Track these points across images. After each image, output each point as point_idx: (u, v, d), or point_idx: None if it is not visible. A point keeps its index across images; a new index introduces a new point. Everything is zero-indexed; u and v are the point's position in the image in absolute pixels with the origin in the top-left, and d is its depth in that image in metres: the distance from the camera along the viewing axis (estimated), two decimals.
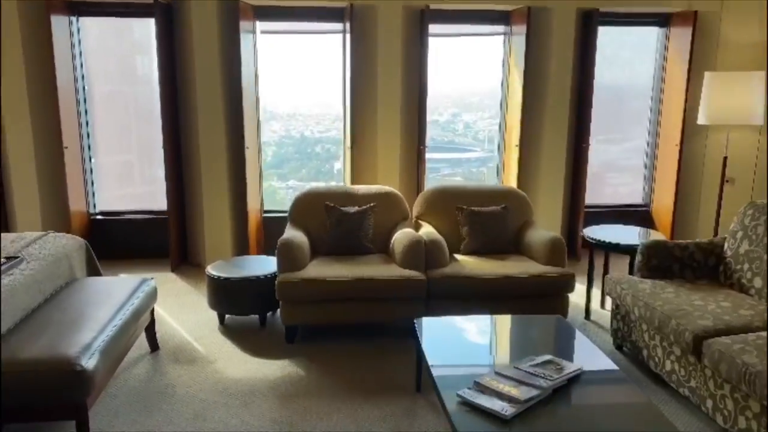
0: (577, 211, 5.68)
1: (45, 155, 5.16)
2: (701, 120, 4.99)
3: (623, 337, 3.68)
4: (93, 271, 3.94)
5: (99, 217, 5.63)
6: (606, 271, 4.58)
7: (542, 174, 5.64)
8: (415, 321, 3.23)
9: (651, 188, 6.05)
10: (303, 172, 6.20)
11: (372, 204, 4.39)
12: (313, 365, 3.59)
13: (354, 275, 3.78)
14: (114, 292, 3.36)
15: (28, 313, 3.02)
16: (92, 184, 5.62)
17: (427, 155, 5.42)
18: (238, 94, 5.10)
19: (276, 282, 3.77)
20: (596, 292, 4.85)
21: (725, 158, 5.16)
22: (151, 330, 3.74)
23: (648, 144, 6.08)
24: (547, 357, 2.73)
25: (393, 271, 3.86)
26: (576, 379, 2.59)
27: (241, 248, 5.52)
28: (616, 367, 2.72)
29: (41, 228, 5.16)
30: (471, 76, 6.08)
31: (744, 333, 2.94)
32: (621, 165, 6.38)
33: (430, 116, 5.47)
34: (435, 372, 2.65)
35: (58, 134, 5.04)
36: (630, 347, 3.61)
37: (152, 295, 3.63)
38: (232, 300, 4.02)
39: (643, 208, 6.13)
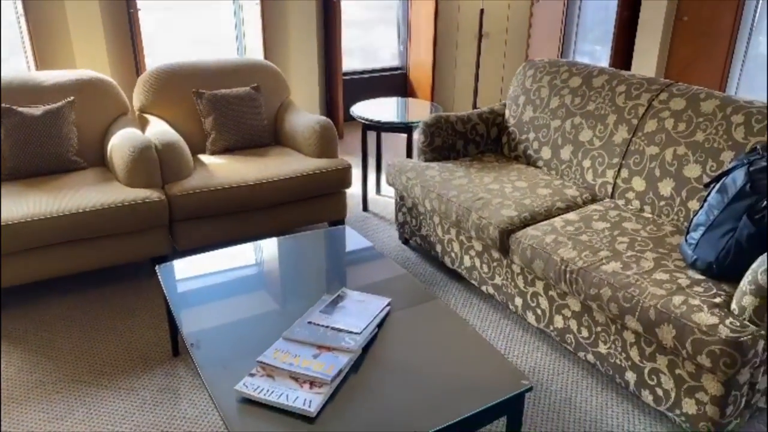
0: (334, 81, 4.95)
1: None
2: None
3: (411, 231, 3.21)
4: None
5: None
6: (379, 153, 4.03)
7: (291, 40, 4.72)
8: (157, 269, 2.29)
9: (407, 48, 5.55)
10: None
11: (70, 99, 3.10)
12: (12, 348, 2.47)
13: (55, 210, 2.62)
14: None
15: None
16: None
17: (142, 17, 4.10)
18: None
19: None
20: (369, 177, 4.32)
21: (482, 11, 4.79)
22: None
23: None
24: (342, 291, 2.08)
25: (115, 193, 2.77)
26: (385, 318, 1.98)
27: None
28: (426, 292, 2.17)
29: None
30: None
31: (549, 218, 2.60)
32: (372, 21, 5.73)
33: None
34: (197, 355, 1.82)
35: None
36: (420, 242, 3.16)
37: None
38: None
39: (400, 71, 5.65)
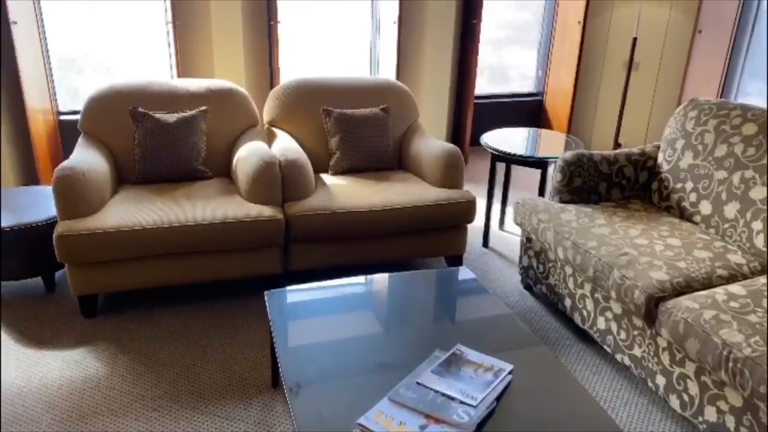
0: (465, 105, 4.74)
1: None
2: None
3: (536, 278, 2.91)
4: None
5: None
6: (506, 187, 3.75)
7: (426, 59, 4.57)
8: (266, 296, 2.18)
9: (546, 74, 5.22)
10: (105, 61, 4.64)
11: (203, 108, 3.12)
12: (121, 355, 2.47)
13: (171, 219, 2.60)
14: None
15: None
16: None
17: (281, 33, 4.12)
18: None
19: (54, 237, 2.50)
20: (493, 210, 4.05)
21: (635, 39, 4.38)
22: None
23: (544, 20, 5.17)
24: (458, 349, 1.85)
25: (235, 208, 2.72)
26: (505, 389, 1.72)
27: (28, 169, 4.03)
28: (555, 360, 1.89)
29: None
30: None
31: (708, 288, 2.22)
32: (512, 46, 5.46)
33: None
34: (294, 404, 1.66)
35: None
36: (546, 291, 2.85)
37: None
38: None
39: (536, 98, 5.33)
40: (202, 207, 2.71)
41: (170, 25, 3.82)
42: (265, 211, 2.72)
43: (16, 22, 3.54)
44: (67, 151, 4.19)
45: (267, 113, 3.44)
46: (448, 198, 2.96)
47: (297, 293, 2.22)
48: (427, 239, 3.02)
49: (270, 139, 3.29)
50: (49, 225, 2.73)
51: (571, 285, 2.65)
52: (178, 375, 2.36)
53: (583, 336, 2.70)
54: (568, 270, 2.66)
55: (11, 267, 2.73)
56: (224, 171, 3.20)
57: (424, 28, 4.48)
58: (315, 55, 5.14)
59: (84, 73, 4.51)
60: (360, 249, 2.92)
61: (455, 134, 4.92)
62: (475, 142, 5.02)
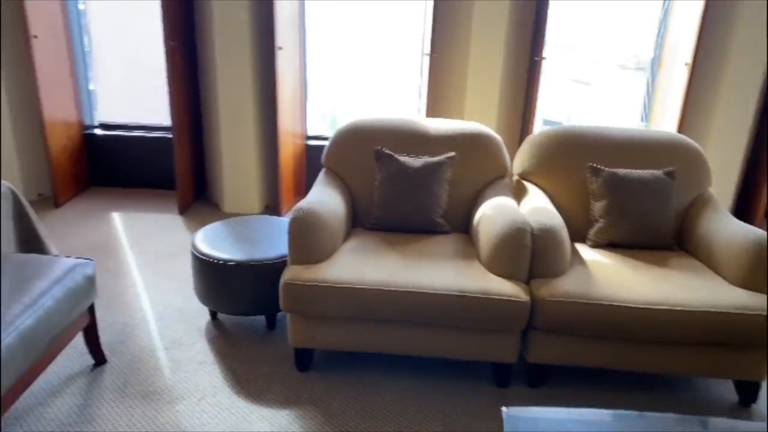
0: (760, 168, 3.79)
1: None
2: None
3: None
4: (25, 234, 2.65)
5: (98, 131, 4.34)
6: None
7: (718, 112, 3.74)
8: (504, 413, 1.71)
9: None
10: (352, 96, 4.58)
11: (451, 154, 2.78)
12: (333, 419, 2.19)
13: (399, 281, 2.26)
14: (18, 283, 2.04)
15: None
16: (89, 88, 4.29)
17: (545, 69, 3.64)
18: None
19: (281, 282, 2.32)
20: None
21: None
22: (91, 335, 2.45)
23: None
24: None
25: (472, 278, 2.31)
26: None
27: (272, 189, 4.10)
28: None
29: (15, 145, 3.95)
30: None
31: None
32: None
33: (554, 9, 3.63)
34: None
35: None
36: None
37: (85, 290, 2.29)
38: (228, 292, 2.62)
39: None
40: (436, 271, 2.34)
41: (426, 57, 3.58)
42: (507, 288, 2.26)
43: (281, 48, 3.59)
44: (310, 175, 4.20)
45: (519, 163, 2.99)
46: (757, 307, 2.21)
47: (544, 421, 1.71)
48: (711, 354, 2.29)
49: (519, 194, 2.83)
50: (280, 264, 2.59)
51: None
52: None
53: None
54: None
55: (238, 302, 2.64)
56: (463, 226, 2.81)
57: (724, 71, 3.66)
58: (574, 99, 4.58)
59: (332, 99, 4.52)
60: (619, 352, 2.31)
61: (742, 205, 3.97)
62: None
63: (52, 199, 4.01)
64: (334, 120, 4.49)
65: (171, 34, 3.61)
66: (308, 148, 4.19)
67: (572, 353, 2.34)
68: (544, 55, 3.57)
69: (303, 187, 4.22)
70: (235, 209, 4.02)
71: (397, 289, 2.25)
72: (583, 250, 2.64)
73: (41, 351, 2.04)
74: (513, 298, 2.22)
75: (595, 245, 2.68)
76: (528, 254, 2.33)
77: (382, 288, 2.25)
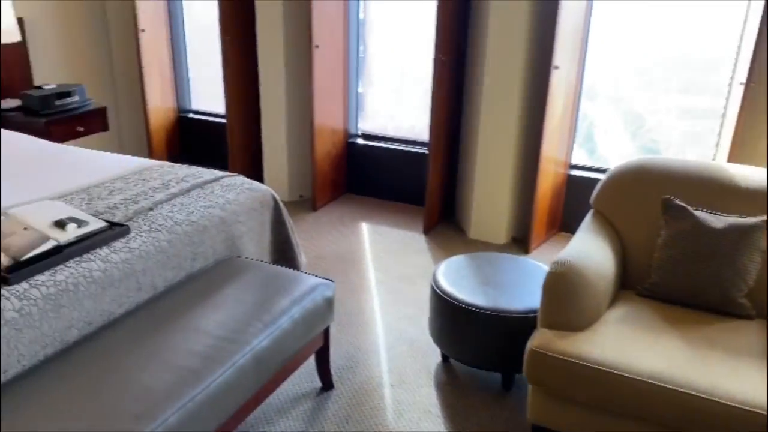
0: None
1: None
2: None
3: None
4: (281, 242, 2.70)
5: (359, 141, 4.43)
6: None
7: None
8: None
9: None
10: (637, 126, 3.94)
11: (765, 218, 2.13)
12: None
13: (693, 384, 1.73)
14: (262, 299, 2.03)
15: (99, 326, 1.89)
16: (357, 96, 4.40)
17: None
18: None
19: (527, 347, 1.97)
20: None
21: None
22: (323, 358, 2.37)
23: None
24: None
25: None
26: None
27: (522, 220, 3.75)
28: None
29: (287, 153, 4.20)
30: None
31: None
32: None
33: None
34: None
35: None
36: None
37: (323, 312, 2.22)
38: (465, 339, 2.36)
39: None
40: (736, 371, 1.77)
41: (742, 87, 2.89)
42: None
43: (557, 67, 3.22)
44: (567, 210, 3.77)
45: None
46: None
47: None
48: None
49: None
50: (528, 319, 2.24)
51: None
52: None
53: None
54: None
55: (475, 352, 2.35)
56: None
57: None
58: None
59: (600, 124, 3.99)
60: None
61: None
62: None
63: (311, 202, 4.19)
64: (592, 149, 3.96)
65: (442, 48, 3.47)
66: (569, 178, 3.76)
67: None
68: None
69: (558, 223, 3.80)
70: (480, 236, 3.76)
71: (678, 389, 1.74)
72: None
73: (273, 372, 2.00)
74: None
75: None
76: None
77: (659, 383, 1.76)
